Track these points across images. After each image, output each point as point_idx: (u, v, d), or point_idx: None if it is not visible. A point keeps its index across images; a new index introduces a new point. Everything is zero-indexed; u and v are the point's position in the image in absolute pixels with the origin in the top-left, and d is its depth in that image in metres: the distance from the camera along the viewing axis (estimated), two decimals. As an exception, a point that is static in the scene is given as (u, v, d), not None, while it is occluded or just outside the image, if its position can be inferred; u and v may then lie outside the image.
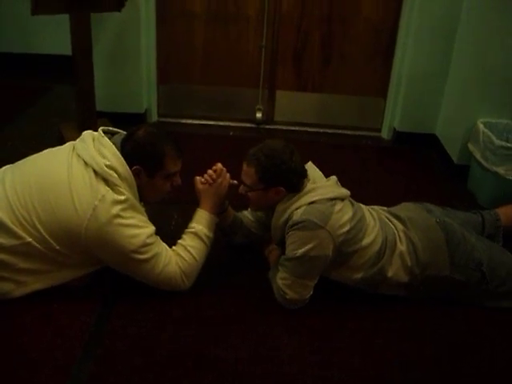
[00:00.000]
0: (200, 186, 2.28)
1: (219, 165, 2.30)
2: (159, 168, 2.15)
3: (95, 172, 2.04)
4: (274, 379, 1.89)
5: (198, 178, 2.29)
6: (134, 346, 1.99)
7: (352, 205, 2.23)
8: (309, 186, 2.17)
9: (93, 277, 2.23)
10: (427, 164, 3.66)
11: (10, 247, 2.04)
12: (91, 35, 3.32)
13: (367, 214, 2.27)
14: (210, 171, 2.28)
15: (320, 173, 2.30)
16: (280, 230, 2.19)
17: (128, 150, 2.11)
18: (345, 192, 2.24)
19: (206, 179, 2.27)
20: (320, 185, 2.19)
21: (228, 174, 2.30)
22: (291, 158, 2.14)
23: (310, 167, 2.28)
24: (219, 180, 2.27)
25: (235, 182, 2.30)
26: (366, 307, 2.25)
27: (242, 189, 2.23)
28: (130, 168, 2.09)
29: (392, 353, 2.04)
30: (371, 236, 2.19)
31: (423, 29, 3.60)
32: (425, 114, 3.84)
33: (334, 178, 2.30)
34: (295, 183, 2.16)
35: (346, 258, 2.17)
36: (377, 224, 2.26)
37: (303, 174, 2.19)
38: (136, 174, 2.11)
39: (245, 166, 2.19)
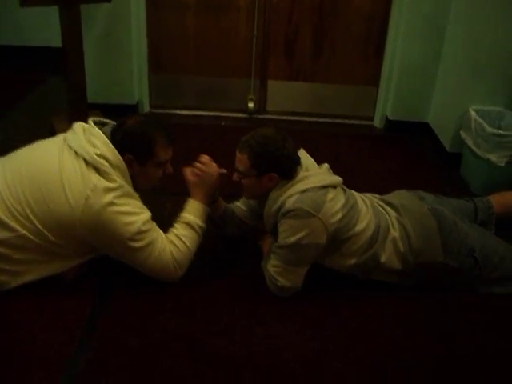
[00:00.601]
0: (190, 178, 2.28)
1: (205, 156, 2.30)
2: (150, 156, 2.15)
3: (86, 162, 2.04)
4: (267, 368, 1.90)
5: (187, 169, 2.29)
6: (128, 334, 2.00)
7: (344, 192, 2.24)
8: (301, 173, 2.17)
9: (87, 268, 2.23)
10: (420, 152, 3.67)
11: (4, 240, 2.04)
12: (81, 27, 3.31)
13: (359, 201, 2.28)
14: (198, 164, 2.28)
15: (312, 160, 2.30)
16: (272, 218, 2.19)
17: (118, 140, 2.11)
18: (337, 179, 2.24)
19: (195, 172, 2.27)
20: (312, 173, 2.19)
21: (215, 164, 2.29)
22: (284, 144, 2.14)
23: (302, 154, 2.28)
24: (209, 170, 2.26)
25: (224, 170, 2.30)
26: (359, 294, 2.26)
27: (235, 176, 2.23)
28: (123, 157, 2.09)
29: (386, 340, 2.05)
30: (364, 222, 2.20)
31: (414, 17, 3.60)
32: (417, 103, 3.84)
33: (325, 165, 2.31)
34: (288, 169, 2.17)
35: (339, 244, 2.18)
36: (369, 210, 2.26)
37: (296, 161, 2.19)
38: (128, 163, 2.11)
39: (238, 153, 2.19)
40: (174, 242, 2.17)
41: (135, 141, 2.12)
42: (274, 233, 2.21)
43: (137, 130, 2.13)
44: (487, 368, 1.97)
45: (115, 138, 2.11)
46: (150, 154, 2.14)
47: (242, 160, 2.17)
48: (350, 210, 2.17)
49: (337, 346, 2.01)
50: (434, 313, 2.20)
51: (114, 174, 2.04)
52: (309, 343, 2.01)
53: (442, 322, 2.15)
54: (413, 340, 2.06)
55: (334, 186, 2.19)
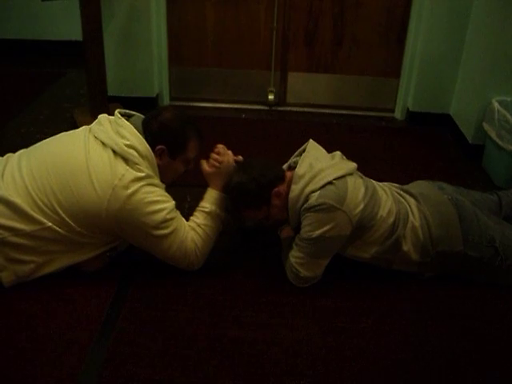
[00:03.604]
0: (207, 169, 2.28)
1: (220, 145, 2.32)
2: (182, 151, 2.19)
3: (114, 152, 2.06)
4: (285, 361, 1.90)
5: (203, 161, 2.30)
6: (148, 328, 2.01)
7: (362, 178, 2.24)
8: (316, 165, 2.16)
9: (108, 260, 2.25)
10: (441, 144, 3.63)
11: (30, 232, 2.06)
12: (101, 20, 3.32)
13: (378, 189, 2.27)
14: (213, 155, 2.28)
15: (323, 150, 2.30)
16: (297, 215, 2.17)
17: (154, 130, 2.14)
18: (352, 166, 2.23)
19: (211, 163, 2.27)
20: (328, 164, 2.17)
21: (230, 152, 2.30)
22: (252, 172, 2.18)
23: (312, 146, 2.28)
24: (225, 158, 2.27)
25: (240, 158, 2.31)
26: (378, 287, 2.25)
27: (271, 222, 2.29)
28: (154, 147, 2.12)
29: (405, 335, 2.04)
30: (385, 209, 2.19)
31: (436, 7, 3.56)
32: (438, 94, 3.80)
33: (338, 153, 2.31)
34: (278, 172, 2.22)
35: (362, 232, 2.16)
36: (389, 197, 2.26)
37: (279, 168, 2.27)
38: (158, 154, 2.14)
39: (245, 216, 2.31)
40: (196, 230, 2.19)
41: (172, 133, 2.16)
42: (299, 229, 2.20)
43: (174, 123, 2.17)
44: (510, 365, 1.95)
45: (150, 129, 2.15)
46: (183, 148, 2.18)
47: (251, 215, 2.27)
48: (371, 198, 2.16)
49: (355, 340, 2.00)
50: (453, 307, 2.18)
51: (143, 165, 2.06)
52: (326, 336, 2.01)
53: (462, 317, 2.13)
54: (432, 335, 2.04)
55: (350, 174, 2.18)
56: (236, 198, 2.22)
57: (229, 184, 2.21)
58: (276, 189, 2.17)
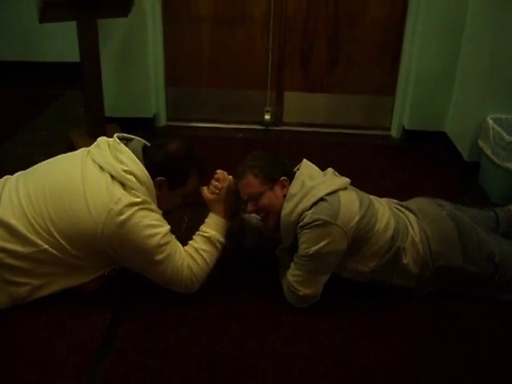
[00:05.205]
0: (208, 196, 2.28)
1: (219, 171, 2.31)
2: (182, 185, 2.20)
3: (112, 176, 2.05)
4: (285, 378, 1.89)
5: (204, 187, 2.30)
6: (146, 348, 2.00)
7: (356, 192, 2.24)
8: (308, 183, 2.17)
9: (106, 281, 2.24)
10: (437, 162, 3.64)
11: (26, 254, 2.05)
12: (98, 41, 3.35)
13: (375, 202, 2.28)
14: (213, 181, 2.29)
15: (316, 169, 2.32)
16: (291, 233, 2.17)
17: (157, 160, 2.15)
18: (345, 181, 2.25)
19: (212, 190, 2.28)
20: (320, 181, 2.19)
21: (230, 177, 2.29)
22: (266, 152, 2.27)
23: (305, 165, 2.30)
24: (225, 185, 2.27)
25: None
26: (377, 306, 2.25)
27: (251, 205, 2.22)
28: (154, 177, 2.12)
29: (404, 353, 2.03)
30: (383, 222, 2.19)
31: (430, 26, 3.59)
32: (434, 112, 3.82)
33: (330, 170, 2.32)
34: (289, 168, 2.26)
35: (361, 245, 2.16)
36: (386, 210, 2.27)
37: (283, 161, 2.29)
38: (158, 185, 2.14)
39: (241, 181, 2.22)
40: (193, 256, 2.17)
41: (174, 167, 2.18)
42: (294, 247, 2.19)
43: (178, 157, 2.18)
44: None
45: (153, 158, 2.15)
46: (183, 183, 2.20)
47: (249, 183, 2.19)
48: (368, 210, 2.17)
49: (353, 357, 1.99)
50: (453, 324, 2.18)
51: (140, 190, 2.06)
52: (324, 354, 2.00)
53: (461, 333, 2.13)
54: (433, 351, 2.03)
55: (343, 188, 2.19)
56: (253, 164, 2.21)
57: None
58: (285, 177, 2.20)
